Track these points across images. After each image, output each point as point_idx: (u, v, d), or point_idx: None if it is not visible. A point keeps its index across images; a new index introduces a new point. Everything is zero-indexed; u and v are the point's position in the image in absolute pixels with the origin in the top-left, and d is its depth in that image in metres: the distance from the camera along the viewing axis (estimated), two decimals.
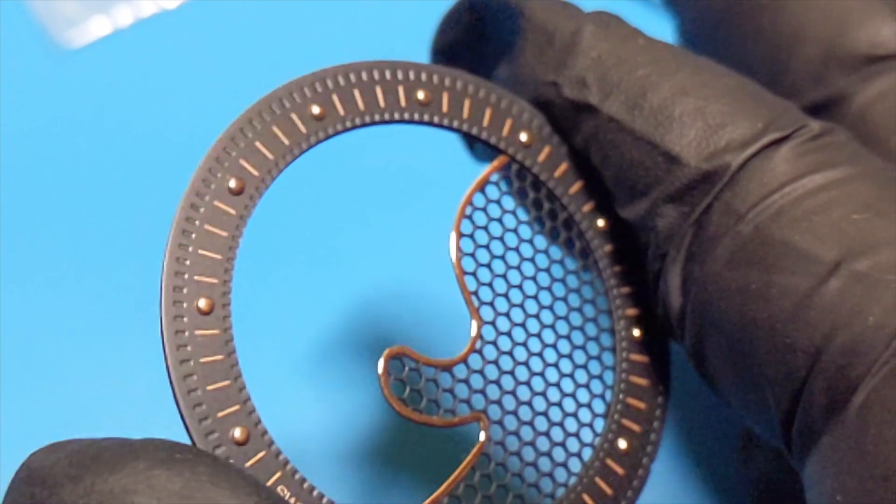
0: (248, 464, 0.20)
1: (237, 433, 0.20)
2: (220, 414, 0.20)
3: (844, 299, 0.20)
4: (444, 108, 0.24)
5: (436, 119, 0.24)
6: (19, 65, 0.37)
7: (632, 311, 0.25)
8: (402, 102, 0.24)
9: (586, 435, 0.24)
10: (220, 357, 0.21)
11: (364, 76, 0.23)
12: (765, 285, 0.21)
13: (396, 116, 0.24)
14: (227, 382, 0.21)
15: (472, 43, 0.27)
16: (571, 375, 0.24)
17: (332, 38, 0.36)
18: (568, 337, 0.24)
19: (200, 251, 0.21)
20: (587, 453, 0.24)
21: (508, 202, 0.25)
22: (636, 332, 0.25)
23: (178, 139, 0.35)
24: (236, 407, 0.21)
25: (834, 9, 0.26)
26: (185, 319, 0.21)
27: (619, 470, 0.24)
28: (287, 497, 0.20)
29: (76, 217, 0.35)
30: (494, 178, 0.25)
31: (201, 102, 0.36)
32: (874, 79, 0.25)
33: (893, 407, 0.19)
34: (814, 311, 0.20)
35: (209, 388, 0.20)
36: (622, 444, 0.24)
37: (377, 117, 0.23)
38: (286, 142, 0.22)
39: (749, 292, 0.21)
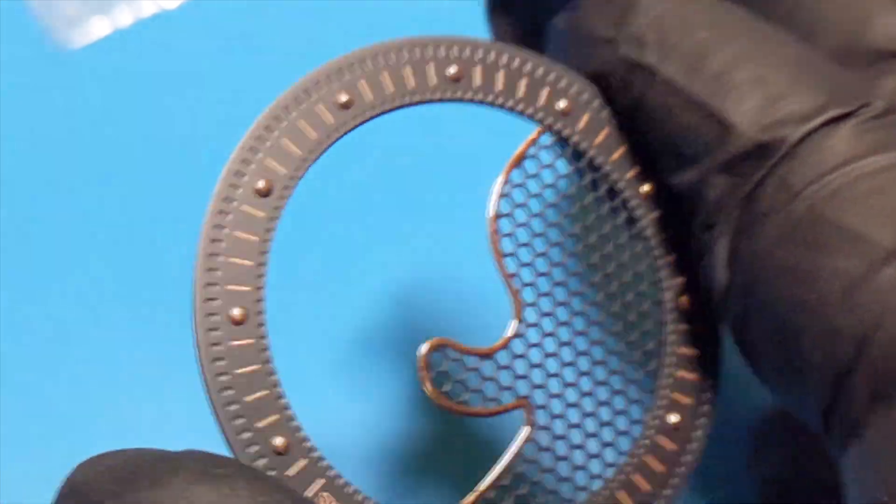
0: (291, 473, 0.20)
1: (278, 442, 0.20)
2: (260, 424, 0.20)
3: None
4: (477, 81, 0.23)
5: (469, 95, 0.23)
6: (19, 65, 0.37)
7: (680, 280, 0.24)
8: (433, 81, 0.23)
9: (635, 412, 0.23)
10: (256, 367, 0.21)
11: (393, 57, 0.23)
12: (816, 267, 0.20)
13: (428, 96, 0.23)
14: (264, 392, 0.20)
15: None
16: (619, 352, 0.24)
17: (335, 36, 0.35)
18: (615, 313, 0.24)
19: (231, 259, 0.21)
20: (636, 430, 0.23)
21: (548, 176, 0.24)
22: (684, 301, 0.24)
23: (180, 140, 0.35)
24: (276, 416, 0.20)
25: (854, 1, 0.24)
26: (220, 332, 0.20)
27: (671, 445, 0.23)
28: (331, 502, 0.20)
29: (74, 218, 0.35)
30: (533, 151, 0.24)
31: (203, 103, 0.35)
32: (889, 76, 0.24)
33: None
34: (864, 297, 0.19)
35: (247, 399, 0.20)
36: (673, 418, 0.23)
37: (408, 99, 0.23)
38: (314, 135, 0.22)
39: (799, 272, 0.20)
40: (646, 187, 0.24)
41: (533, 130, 0.24)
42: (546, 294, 0.23)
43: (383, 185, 0.33)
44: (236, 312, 0.21)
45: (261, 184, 0.21)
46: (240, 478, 0.19)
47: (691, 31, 0.22)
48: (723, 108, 0.22)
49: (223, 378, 0.20)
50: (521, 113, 0.24)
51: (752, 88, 0.21)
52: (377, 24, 0.32)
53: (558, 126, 0.24)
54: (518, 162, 0.24)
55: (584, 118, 0.24)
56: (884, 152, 0.20)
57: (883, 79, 0.24)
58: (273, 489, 0.19)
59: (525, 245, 0.23)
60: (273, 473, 0.20)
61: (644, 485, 0.23)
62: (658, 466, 0.23)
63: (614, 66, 0.23)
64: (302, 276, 0.32)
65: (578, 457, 0.23)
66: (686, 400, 0.24)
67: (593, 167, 0.24)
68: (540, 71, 0.24)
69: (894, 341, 0.19)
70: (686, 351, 0.24)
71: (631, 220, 0.24)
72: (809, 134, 0.21)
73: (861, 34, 0.24)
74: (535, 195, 0.24)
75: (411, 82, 0.23)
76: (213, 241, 0.21)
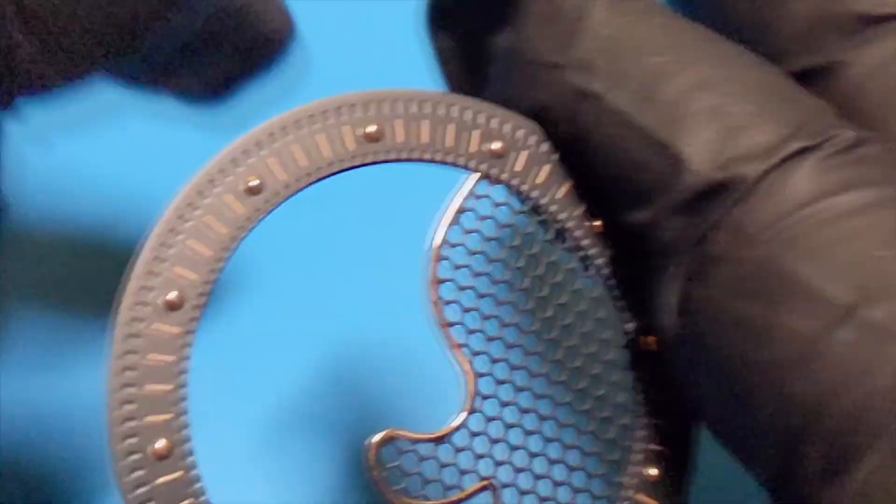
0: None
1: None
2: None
3: (855, 353, 0.17)
4: (400, 137, 0.21)
5: (392, 155, 0.21)
6: None
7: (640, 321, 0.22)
8: (351, 146, 0.21)
9: (612, 472, 0.22)
10: (179, 474, 0.19)
11: (303, 127, 0.20)
12: (769, 325, 0.18)
13: (347, 164, 0.21)
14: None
15: (473, 3, 0.23)
16: (587, 411, 0.22)
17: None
18: (579, 367, 0.22)
19: (147, 387, 0.19)
20: (615, 492, 0.22)
21: (490, 228, 0.22)
22: (651, 341, 0.22)
23: (179, 144, 0.32)
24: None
25: None
26: (144, 471, 0.19)
27: (653, 501, 0.22)
28: None
29: (70, 220, 0.33)
30: (471, 203, 0.22)
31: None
32: (873, 44, 0.21)
33: (893, 490, 0.16)
34: (820, 363, 0.18)
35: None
36: (652, 471, 0.22)
37: (324, 171, 0.21)
38: (224, 231, 0.20)
39: (751, 329, 0.18)
40: (597, 223, 0.22)
41: (467, 179, 0.22)
42: (500, 360, 0.21)
43: (318, 254, 0.31)
44: (159, 445, 0.19)
45: (172, 295, 0.19)
46: None
47: (644, 56, 0.20)
48: (676, 142, 0.20)
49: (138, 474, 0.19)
50: (452, 164, 0.22)
51: (708, 120, 0.19)
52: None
53: (494, 171, 0.22)
54: (455, 217, 0.21)
55: (523, 158, 0.22)
56: (849, 192, 0.18)
57: (863, 49, 0.22)
58: None
59: (472, 310, 0.21)
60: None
61: None
62: None
63: (559, 95, 0.21)
64: (228, 361, 0.29)
65: None
66: (665, 450, 0.22)
67: (537, 209, 0.22)
68: (468, 114, 0.22)
69: (850, 416, 0.17)
70: (658, 396, 0.22)
71: (586, 260, 0.22)
72: (768, 172, 0.19)
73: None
74: (477, 252, 0.22)
75: (326, 151, 0.21)
76: (126, 369, 0.19)
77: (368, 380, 0.28)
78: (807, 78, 0.22)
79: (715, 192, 0.19)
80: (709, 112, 0.19)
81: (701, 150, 0.19)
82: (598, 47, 0.21)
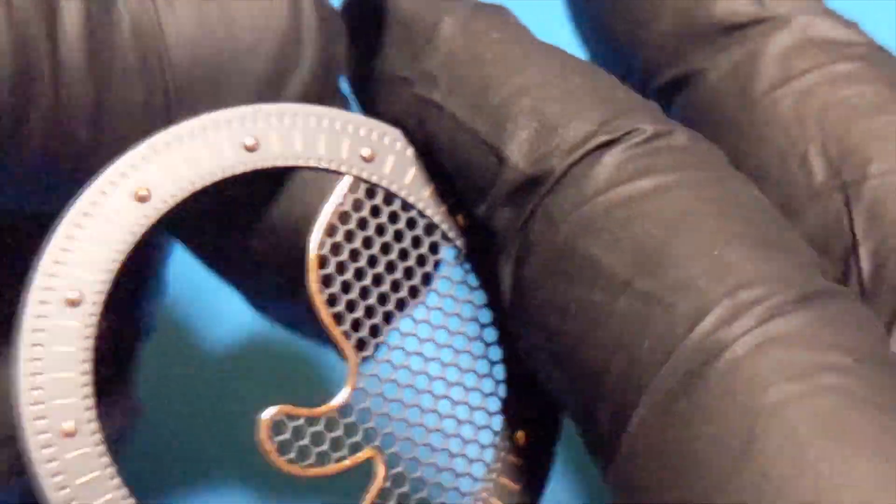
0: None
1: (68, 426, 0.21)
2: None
3: (627, 319, 0.20)
4: (275, 148, 0.24)
5: (269, 163, 0.23)
6: None
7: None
8: (229, 156, 0.23)
9: (485, 437, 0.24)
10: (96, 473, 0.21)
11: (185, 142, 0.23)
12: (567, 299, 0.21)
13: (227, 173, 0.23)
14: (109, 496, 0.21)
15: (354, 34, 0.26)
16: (460, 383, 0.24)
17: None
18: (450, 345, 0.24)
19: (53, 375, 0.21)
20: (489, 455, 0.24)
21: (365, 223, 0.24)
22: (522, 435, 0.24)
23: None
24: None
25: None
26: (54, 447, 0.21)
27: (521, 462, 0.24)
28: None
29: None
30: (347, 207, 0.24)
31: None
32: (727, 51, 0.24)
33: (656, 443, 0.19)
34: (602, 331, 0.20)
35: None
36: (520, 436, 0.24)
37: (208, 178, 0.23)
38: (117, 236, 0.22)
39: (555, 304, 0.21)
40: (461, 219, 0.25)
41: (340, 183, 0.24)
42: (380, 342, 0.24)
43: None
44: (68, 426, 0.21)
45: (72, 294, 0.21)
46: None
47: (479, 66, 0.23)
48: (499, 142, 0.22)
49: (64, 492, 0.21)
50: (326, 169, 0.24)
51: (527, 121, 0.22)
52: None
53: (364, 174, 0.24)
54: (333, 219, 0.24)
55: (390, 161, 0.24)
56: (641, 179, 0.21)
57: (723, 53, 0.24)
58: None
59: (353, 301, 0.24)
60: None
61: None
62: (513, 485, 0.24)
63: (409, 106, 0.24)
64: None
65: (436, 493, 0.24)
66: (534, 416, 0.24)
67: (406, 207, 0.24)
68: (338, 124, 0.24)
69: (623, 378, 0.19)
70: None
71: (454, 250, 0.25)
72: (574, 164, 0.21)
73: (698, 10, 0.25)
74: (356, 246, 0.24)
75: (207, 162, 0.23)
76: (33, 359, 0.21)
77: (262, 361, 0.31)
78: (675, 87, 0.25)
79: (530, 185, 0.22)
80: (527, 114, 0.22)
81: (519, 149, 0.22)
82: (441, 62, 0.23)
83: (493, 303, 0.24)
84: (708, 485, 0.18)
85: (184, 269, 0.29)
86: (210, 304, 0.33)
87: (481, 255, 0.24)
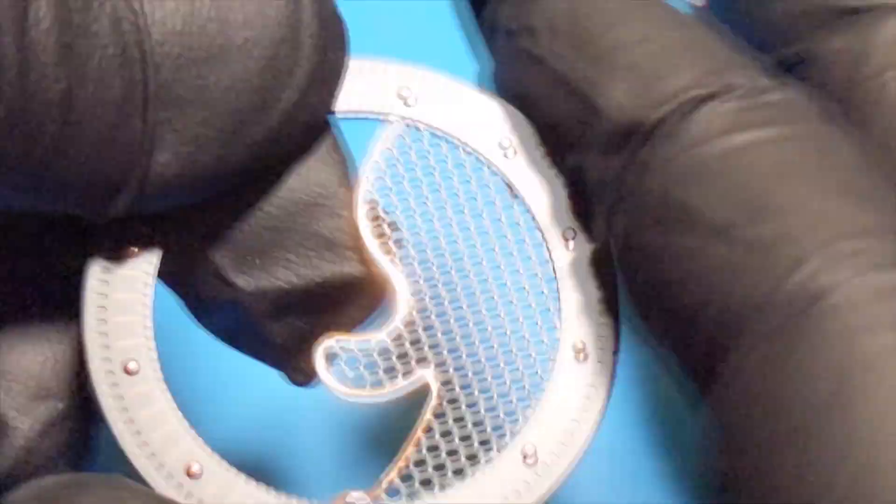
0: (209, 491, 0.22)
1: (194, 469, 0.23)
2: (170, 457, 0.23)
3: (724, 265, 0.20)
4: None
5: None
6: None
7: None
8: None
9: (540, 351, 0.25)
10: (160, 407, 0.23)
11: None
12: (662, 245, 0.21)
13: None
14: (170, 427, 0.23)
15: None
16: (511, 302, 0.25)
17: None
18: (498, 266, 0.25)
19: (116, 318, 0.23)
20: (544, 368, 0.25)
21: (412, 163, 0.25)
22: (578, 345, 0.25)
23: None
24: (187, 446, 0.23)
25: None
26: (119, 386, 0.23)
27: (579, 374, 0.24)
28: None
29: None
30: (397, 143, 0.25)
31: None
32: (840, 33, 0.24)
33: (750, 383, 0.19)
34: (696, 276, 0.20)
35: (154, 435, 0.23)
36: (578, 347, 0.24)
37: None
38: None
39: (649, 250, 0.22)
40: (569, 233, 0.25)
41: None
42: (427, 264, 0.25)
43: None
44: (132, 365, 0.23)
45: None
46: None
47: (580, 20, 0.23)
48: (596, 94, 0.22)
49: (131, 425, 0.23)
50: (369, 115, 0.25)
51: (626, 73, 0.22)
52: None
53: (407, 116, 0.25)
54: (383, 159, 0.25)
55: (429, 105, 0.25)
56: (738, 133, 0.21)
57: (836, 35, 0.25)
58: None
59: (397, 226, 0.25)
60: (190, 496, 0.22)
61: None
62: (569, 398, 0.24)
63: (512, 57, 0.24)
64: None
65: (488, 403, 0.24)
66: (589, 330, 0.25)
67: (451, 144, 0.25)
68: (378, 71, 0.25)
69: (717, 321, 0.20)
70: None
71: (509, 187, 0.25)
72: (669, 115, 0.22)
73: None
74: (400, 180, 0.25)
75: None
76: (99, 307, 0.23)
77: None
78: (787, 66, 0.25)
79: (625, 136, 0.22)
80: (624, 68, 0.22)
81: (615, 100, 0.22)
82: (543, 16, 0.24)
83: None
84: (800, 424, 0.18)
85: None
86: None
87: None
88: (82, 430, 0.24)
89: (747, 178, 0.21)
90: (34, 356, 0.24)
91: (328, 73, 0.24)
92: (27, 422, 0.24)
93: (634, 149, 0.22)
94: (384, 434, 0.31)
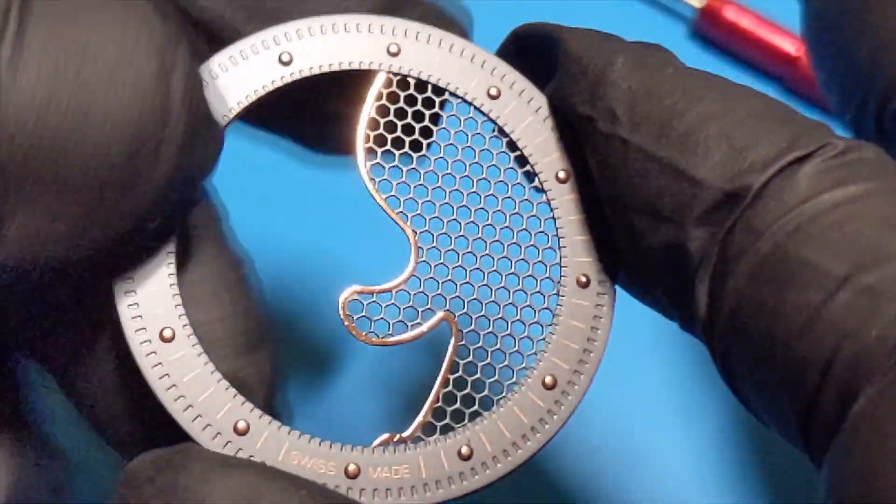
0: (258, 446, 0.23)
1: (240, 426, 0.23)
2: (218, 416, 0.23)
3: (851, 312, 0.21)
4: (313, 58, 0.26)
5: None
6: None
7: (582, 260, 0.26)
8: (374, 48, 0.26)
9: (547, 286, 0.26)
10: (198, 372, 0.24)
11: None
12: (780, 301, 0.22)
13: (363, 63, 0.26)
14: (212, 389, 0.24)
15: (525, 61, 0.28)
16: (516, 242, 0.26)
17: None
18: (500, 210, 0.26)
19: (146, 289, 0.24)
20: (553, 301, 0.26)
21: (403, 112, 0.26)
22: (582, 279, 0.26)
23: None
24: (229, 405, 0.24)
25: None
26: (157, 353, 0.24)
27: (585, 302, 0.26)
28: (303, 458, 0.24)
29: None
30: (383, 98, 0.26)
31: None
32: None
33: (883, 417, 0.20)
34: (823, 325, 0.21)
35: (200, 399, 0.23)
36: (581, 279, 0.26)
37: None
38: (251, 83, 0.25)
39: (766, 308, 0.22)
40: (562, 174, 0.26)
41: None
42: (435, 217, 0.26)
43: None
44: (167, 332, 0.24)
45: None
46: (250, 467, 0.22)
47: (658, 100, 0.24)
48: (692, 166, 0.23)
49: (172, 391, 0.23)
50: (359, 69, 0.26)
51: (717, 144, 0.23)
52: None
53: (395, 68, 0.26)
54: (377, 111, 0.26)
55: (413, 52, 0.26)
56: (842, 187, 0.22)
57: None
58: (277, 475, 0.22)
59: (402, 183, 0.26)
60: (241, 451, 0.23)
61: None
62: (580, 326, 0.26)
63: (594, 141, 0.25)
64: None
65: (507, 343, 0.26)
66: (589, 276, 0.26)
67: (437, 90, 0.26)
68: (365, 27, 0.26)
69: (852, 364, 0.21)
70: (575, 323, 0.26)
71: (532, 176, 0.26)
72: (772, 178, 0.22)
73: None
74: (398, 135, 0.26)
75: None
76: (126, 279, 0.24)
77: (339, 252, 0.33)
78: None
79: (728, 201, 0.23)
80: (717, 138, 0.23)
81: (713, 170, 0.23)
82: (621, 98, 0.24)
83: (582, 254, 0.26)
84: None
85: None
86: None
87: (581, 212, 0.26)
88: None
89: (862, 227, 0.21)
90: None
91: (193, 173, 0.23)
92: None
93: (739, 213, 0.23)
94: (415, 380, 0.32)
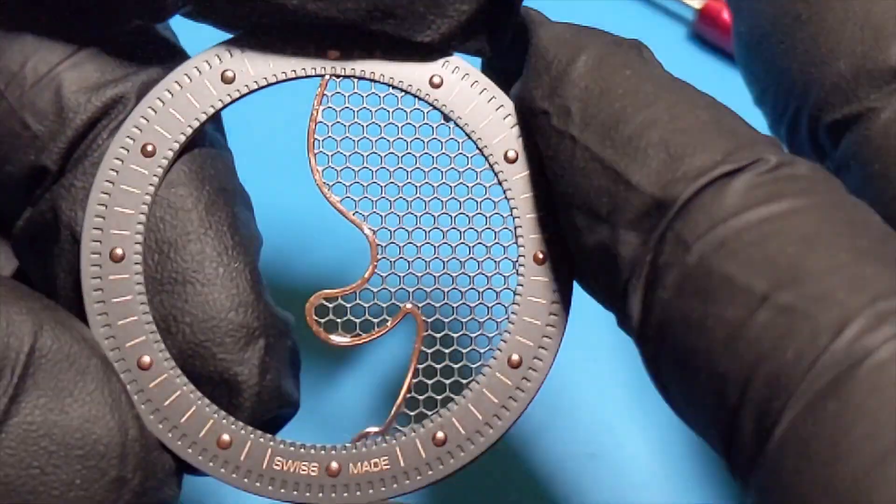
0: (152, 385, 0.25)
1: (144, 360, 0.25)
2: (201, 434, 0.25)
3: (769, 331, 0.21)
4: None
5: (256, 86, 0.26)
6: None
7: (539, 236, 0.27)
8: (313, 56, 0.27)
9: (506, 266, 0.27)
10: (128, 297, 0.25)
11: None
12: (703, 315, 0.22)
13: (307, 70, 0.27)
14: (134, 318, 0.25)
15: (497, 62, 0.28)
16: (472, 228, 0.27)
17: None
18: (454, 198, 0.27)
19: (115, 208, 0.25)
20: (513, 281, 0.27)
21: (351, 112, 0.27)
22: (539, 255, 0.27)
23: None
24: (142, 338, 0.25)
25: (869, 23, 0.26)
26: (101, 266, 0.25)
27: (545, 279, 0.27)
28: (286, 463, 0.25)
29: None
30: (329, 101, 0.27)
31: None
32: None
33: (808, 440, 0.20)
34: (742, 343, 0.21)
35: (182, 420, 0.25)
36: (538, 256, 0.27)
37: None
38: (196, 106, 0.26)
39: (691, 322, 0.22)
40: (511, 153, 0.27)
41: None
42: (390, 214, 0.27)
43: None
44: (118, 251, 0.25)
45: (150, 148, 0.26)
46: None
47: (610, 101, 0.24)
48: (630, 171, 0.24)
49: (100, 304, 0.25)
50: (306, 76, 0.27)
51: (656, 151, 0.23)
52: None
53: (339, 70, 0.27)
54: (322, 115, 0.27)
55: (358, 55, 0.27)
56: (770, 203, 0.22)
57: (893, 98, 0.26)
58: None
59: (354, 180, 0.27)
60: (227, 464, 0.25)
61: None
62: (541, 302, 0.27)
63: (548, 135, 0.25)
64: None
65: (472, 327, 0.27)
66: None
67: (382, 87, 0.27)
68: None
69: (769, 384, 0.21)
70: (536, 299, 0.27)
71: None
72: (701, 190, 0.23)
73: (875, 53, 0.26)
74: (343, 130, 0.27)
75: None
76: (103, 193, 0.25)
77: (298, 260, 0.34)
78: (847, 124, 0.26)
79: (659, 209, 0.23)
80: (657, 144, 0.24)
81: (648, 175, 0.23)
82: (576, 96, 0.25)
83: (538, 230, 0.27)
84: (858, 473, 0.19)
85: None
86: None
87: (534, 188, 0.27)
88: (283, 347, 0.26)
89: (784, 245, 0.22)
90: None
91: None
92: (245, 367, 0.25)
93: (669, 222, 0.23)
94: (387, 374, 0.33)
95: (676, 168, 0.23)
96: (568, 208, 0.25)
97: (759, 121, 0.27)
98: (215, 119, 0.28)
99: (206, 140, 0.27)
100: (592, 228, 0.24)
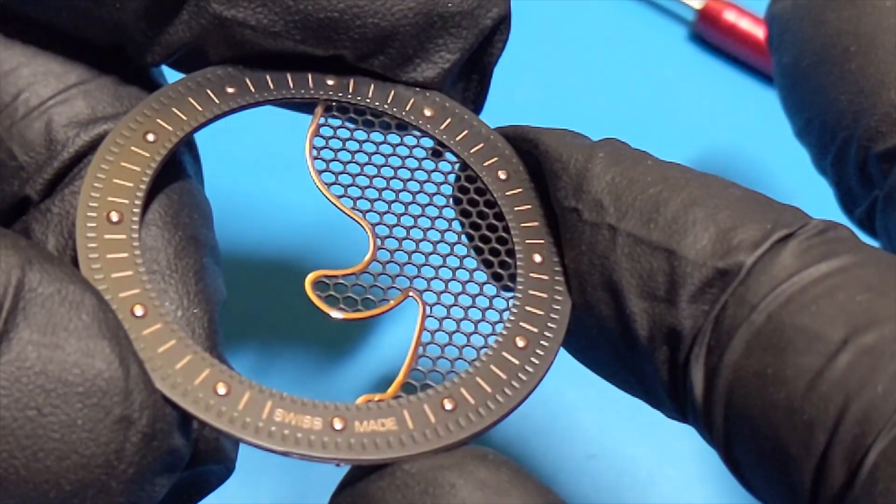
0: (145, 333, 0.24)
1: (138, 312, 0.24)
2: (122, 295, 0.24)
3: (854, 372, 0.22)
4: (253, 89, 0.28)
5: (253, 100, 0.28)
6: None
7: (535, 242, 0.28)
8: (310, 84, 0.28)
9: (506, 258, 0.27)
10: (124, 255, 0.25)
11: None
12: (780, 367, 0.23)
13: (304, 94, 0.28)
14: (129, 272, 0.25)
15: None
16: (471, 224, 0.28)
17: None
18: (449, 205, 0.28)
19: (115, 180, 0.25)
20: (512, 274, 0.27)
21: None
22: (537, 258, 0.27)
23: None
24: (137, 290, 0.24)
25: None
26: (96, 225, 0.25)
27: (542, 275, 0.27)
28: (287, 414, 0.23)
29: None
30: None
31: None
32: None
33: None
34: (826, 386, 0.22)
35: (113, 275, 0.24)
36: (537, 257, 0.27)
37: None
38: (199, 108, 0.27)
39: (766, 376, 0.23)
40: (502, 174, 0.28)
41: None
42: (388, 211, 0.27)
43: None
44: (115, 216, 0.25)
45: (151, 137, 0.26)
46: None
47: (642, 189, 0.26)
48: (683, 247, 0.25)
49: (93, 255, 0.24)
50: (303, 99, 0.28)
51: (705, 226, 0.25)
52: None
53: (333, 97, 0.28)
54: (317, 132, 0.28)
55: (352, 84, 0.29)
56: (827, 261, 0.24)
57: None
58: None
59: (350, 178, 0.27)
60: (224, 412, 0.23)
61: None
62: (540, 295, 0.26)
63: (580, 230, 0.26)
64: None
65: (474, 314, 0.26)
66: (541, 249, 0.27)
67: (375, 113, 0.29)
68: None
69: (859, 421, 0.22)
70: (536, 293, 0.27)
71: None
72: (761, 256, 0.24)
73: None
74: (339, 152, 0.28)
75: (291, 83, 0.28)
76: (105, 161, 0.25)
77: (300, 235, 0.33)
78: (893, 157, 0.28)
79: (720, 279, 0.24)
80: (703, 221, 0.25)
81: (704, 250, 0.25)
82: (604, 188, 0.26)
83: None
84: None
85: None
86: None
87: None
88: None
89: (853, 294, 0.23)
90: None
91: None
92: None
93: (732, 289, 0.24)
94: (386, 355, 0.31)
95: (731, 239, 0.24)
96: (616, 298, 0.25)
97: (766, 140, 0.28)
98: (191, 150, 0.29)
99: (185, 172, 0.28)
100: (648, 310, 0.25)
